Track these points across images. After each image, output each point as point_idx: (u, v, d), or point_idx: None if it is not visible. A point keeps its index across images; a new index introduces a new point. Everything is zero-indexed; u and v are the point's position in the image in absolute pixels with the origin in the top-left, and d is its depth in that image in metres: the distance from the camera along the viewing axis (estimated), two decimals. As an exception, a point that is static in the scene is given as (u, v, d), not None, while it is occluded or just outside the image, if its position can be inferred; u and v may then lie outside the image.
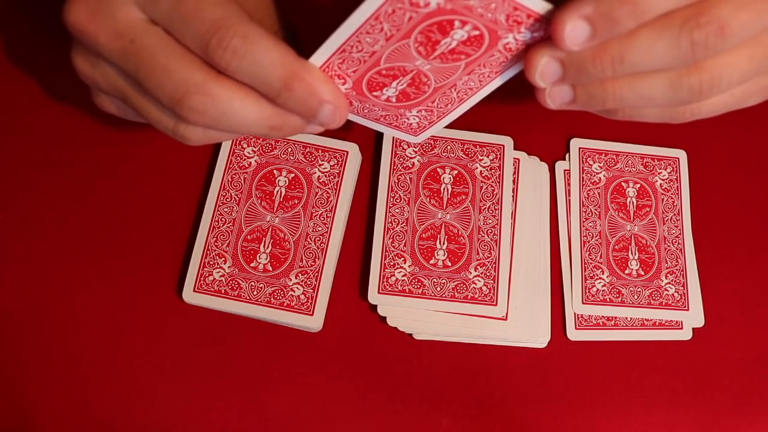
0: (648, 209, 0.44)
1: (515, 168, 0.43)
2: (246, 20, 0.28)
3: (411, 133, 0.36)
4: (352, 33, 0.28)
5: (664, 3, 0.26)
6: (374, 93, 0.32)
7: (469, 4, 0.27)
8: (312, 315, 0.39)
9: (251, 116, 0.29)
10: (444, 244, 0.41)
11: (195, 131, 0.31)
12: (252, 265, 0.40)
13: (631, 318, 0.41)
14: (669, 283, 0.42)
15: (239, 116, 0.29)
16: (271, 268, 0.40)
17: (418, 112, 0.34)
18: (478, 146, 0.43)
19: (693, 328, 0.42)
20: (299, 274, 0.40)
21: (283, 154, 0.42)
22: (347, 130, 0.43)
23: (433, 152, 0.43)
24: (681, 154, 0.45)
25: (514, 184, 0.43)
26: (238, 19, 0.28)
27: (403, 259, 0.40)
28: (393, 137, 0.43)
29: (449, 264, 0.41)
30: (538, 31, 0.29)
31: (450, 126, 0.43)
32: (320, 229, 0.41)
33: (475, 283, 0.40)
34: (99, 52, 0.30)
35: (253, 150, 0.42)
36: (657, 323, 0.42)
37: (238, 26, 0.27)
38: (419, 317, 0.40)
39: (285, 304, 0.39)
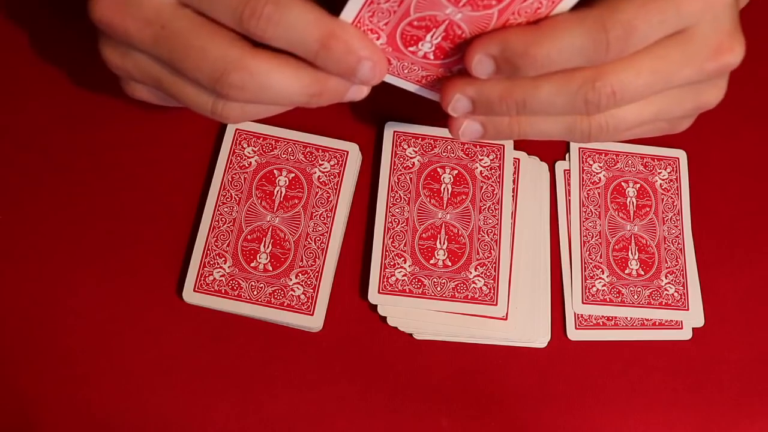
0: (648, 209, 0.44)
1: (515, 168, 0.43)
2: None
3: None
4: None
5: (562, 62, 0.29)
6: (410, 48, 0.31)
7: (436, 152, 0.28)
8: (312, 315, 0.39)
9: (291, 86, 0.30)
10: (444, 243, 0.41)
11: (234, 108, 0.31)
12: (252, 264, 0.40)
13: (631, 318, 0.41)
14: (669, 283, 0.42)
15: (279, 87, 0.29)
16: (271, 268, 0.40)
17: (459, 71, 0.33)
18: (478, 146, 0.43)
19: (693, 328, 0.42)
20: (299, 274, 0.40)
21: (284, 154, 0.42)
22: (348, 130, 0.44)
23: (433, 152, 0.43)
24: (681, 154, 0.45)
25: (514, 184, 0.43)
26: None
27: (403, 259, 0.40)
28: (393, 137, 0.43)
29: (449, 264, 0.41)
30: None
31: (450, 126, 0.44)
32: (320, 228, 0.41)
33: (475, 283, 0.40)
34: (130, 43, 0.30)
35: (253, 150, 0.42)
36: (657, 323, 0.42)
37: None
38: (419, 317, 0.40)
39: (285, 304, 0.39)
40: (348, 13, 0.29)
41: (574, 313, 0.41)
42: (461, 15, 0.29)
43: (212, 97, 0.31)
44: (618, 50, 0.29)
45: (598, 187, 0.44)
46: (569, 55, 0.29)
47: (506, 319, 0.40)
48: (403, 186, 0.42)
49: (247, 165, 0.42)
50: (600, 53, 0.29)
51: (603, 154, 0.45)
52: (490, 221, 0.42)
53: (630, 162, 0.45)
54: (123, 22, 0.29)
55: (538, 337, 0.40)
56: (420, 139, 0.43)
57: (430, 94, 0.35)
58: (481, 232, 0.41)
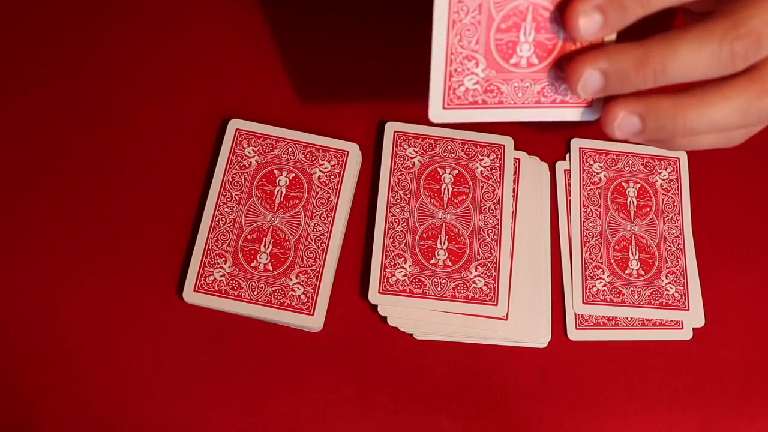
0: (648, 209, 0.44)
1: (516, 168, 0.43)
2: None
3: (582, 105, 0.32)
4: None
5: (681, 77, 0.28)
6: (511, 62, 0.30)
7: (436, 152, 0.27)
8: (312, 315, 0.39)
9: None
10: (444, 244, 0.41)
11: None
12: (252, 264, 0.40)
13: (631, 318, 0.41)
14: (669, 283, 0.42)
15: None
16: (271, 268, 0.40)
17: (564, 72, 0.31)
18: (478, 146, 0.43)
19: (693, 328, 0.42)
20: (300, 274, 0.40)
21: (284, 153, 0.42)
22: (348, 130, 0.43)
23: (433, 152, 0.43)
24: (681, 154, 0.45)
25: (514, 184, 0.43)
26: None
27: (403, 259, 0.40)
28: (393, 137, 0.43)
29: (450, 264, 0.40)
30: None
31: (450, 126, 0.44)
32: (321, 228, 0.41)
33: (476, 283, 0.40)
34: None
35: (253, 150, 0.42)
36: (657, 323, 0.42)
37: None
38: (420, 317, 0.40)
39: (285, 304, 0.39)
40: (438, 45, 0.29)
41: (575, 313, 0.41)
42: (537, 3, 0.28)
43: None
44: (744, 63, 0.28)
45: (599, 187, 0.44)
46: (690, 68, 0.28)
47: (506, 319, 0.40)
48: (404, 186, 0.42)
49: (247, 165, 0.42)
50: (727, 68, 0.29)
51: (603, 154, 0.45)
52: (491, 221, 0.42)
53: (630, 162, 0.45)
54: None
55: (539, 337, 0.40)
56: (420, 139, 0.43)
57: (556, 114, 0.32)
58: (482, 232, 0.41)
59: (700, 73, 0.29)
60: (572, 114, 0.32)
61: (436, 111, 0.31)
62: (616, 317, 0.41)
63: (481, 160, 0.43)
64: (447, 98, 0.31)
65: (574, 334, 0.41)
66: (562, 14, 0.29)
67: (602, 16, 0.28)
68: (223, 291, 0.39)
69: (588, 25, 0.28)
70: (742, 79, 0.29)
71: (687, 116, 0.29)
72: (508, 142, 0.44)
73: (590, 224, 0.43)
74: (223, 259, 0.40)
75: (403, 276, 0.40)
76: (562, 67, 0.31)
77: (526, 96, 0.32)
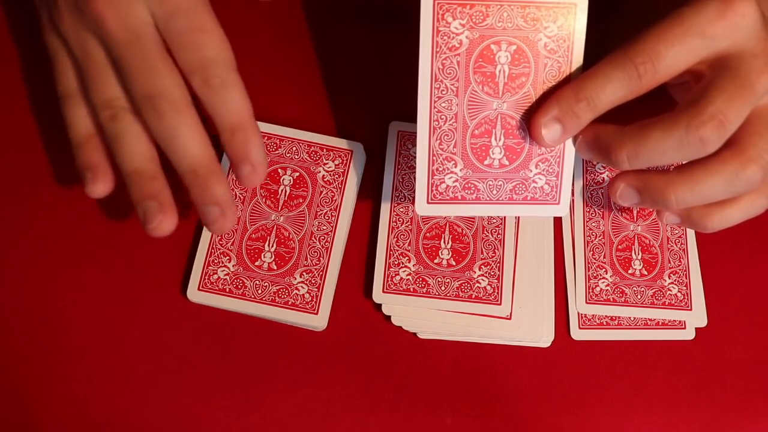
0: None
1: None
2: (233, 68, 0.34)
3: (551, 201, 0.36)
4: (430, 105, 0.32)
5: (612, 98, 0.31)
6: (485, 163, 0.34)
7: (489, 24, 0.31)
8: (316, 314, 0.39)
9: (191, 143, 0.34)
10: (448, 243, 0.41)
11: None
12: (257, 263, 0.40)
13: (634, 318, 0.42)
14: (672, 283, 0.42)
15: (181, 138, 0.34)
16: (275, 267, 0.40)
17: (536, 167, 0.35)
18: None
19: (696, 328, 0.42)
20: (304, 273, 0.40)
21: (288, 153, 0.42)
22: (353, 129, 0.44)
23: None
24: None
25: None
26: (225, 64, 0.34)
27: (407, 258, 0.40)
28: (397, 136, 0.43)
29: (453, 263, 0.41)
30: (555, 19, 0.32)
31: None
32: (325, 228, 0.41)
33: (479, 283, 0.40)
34: (101, 32, 0.33)
35: (257, 149, 0.42)
36: (660, 323, 0.42)
37: (222, 68, 0.33)
38: (423, 316, 0.40)
39: (289, 303, 0.39)
40: (421, 148, 0.33)
41: (578, 313, 0.41)
42: (506, 104, 0.33)
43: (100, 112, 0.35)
44: (716, 145, 0.31)
45: (602, 187, 0.44)
46: (660, 154, 0.31)
47: (510, 318, 0.40)
48: (407, 185, 0.42)
49: (251, 164, 0.42)
50: (700, 152, 0.31)
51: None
52: (494, 221, 0.42)
53: (633, 162, 0.45)
54: (108, 16, 0.33)
55: (542, 336, 0.41)
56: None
57: (527, 210, 0.36)
58: (486, 232, 0.41)
59: (672, 158, 0.31)
60: (542, 210, 0.36)
61: (421, 205, 0.35)
62: (618, 317, 0.42)
63: None
64: (430, 194, 0.35)
65: (577, 333, 0.41)
66: (526, 123, 0.34)
67: (561, 125, 0.33)
68: (227, 290, 0.39)
69: (550, 134, 0.33)
70: (726, 152, 0.32)
71: (677, 190, 0.33)
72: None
73: (593, 224, 0.43)
74: (228, 257, 0.40)
75: (407, 275, 0.40)
76: (531, 168, 0.35)
77: (500, 193, 0.36)
